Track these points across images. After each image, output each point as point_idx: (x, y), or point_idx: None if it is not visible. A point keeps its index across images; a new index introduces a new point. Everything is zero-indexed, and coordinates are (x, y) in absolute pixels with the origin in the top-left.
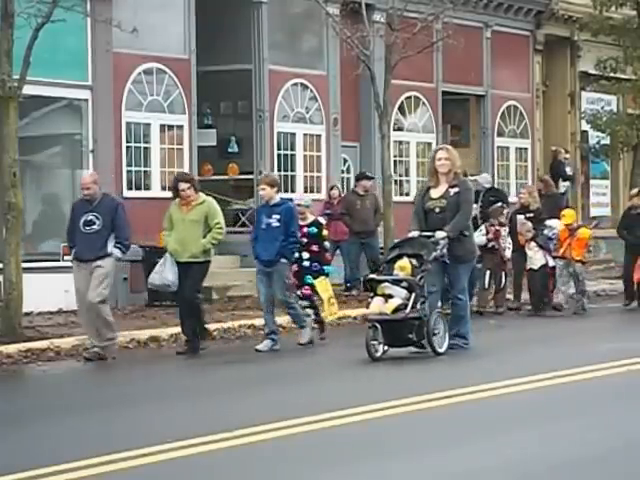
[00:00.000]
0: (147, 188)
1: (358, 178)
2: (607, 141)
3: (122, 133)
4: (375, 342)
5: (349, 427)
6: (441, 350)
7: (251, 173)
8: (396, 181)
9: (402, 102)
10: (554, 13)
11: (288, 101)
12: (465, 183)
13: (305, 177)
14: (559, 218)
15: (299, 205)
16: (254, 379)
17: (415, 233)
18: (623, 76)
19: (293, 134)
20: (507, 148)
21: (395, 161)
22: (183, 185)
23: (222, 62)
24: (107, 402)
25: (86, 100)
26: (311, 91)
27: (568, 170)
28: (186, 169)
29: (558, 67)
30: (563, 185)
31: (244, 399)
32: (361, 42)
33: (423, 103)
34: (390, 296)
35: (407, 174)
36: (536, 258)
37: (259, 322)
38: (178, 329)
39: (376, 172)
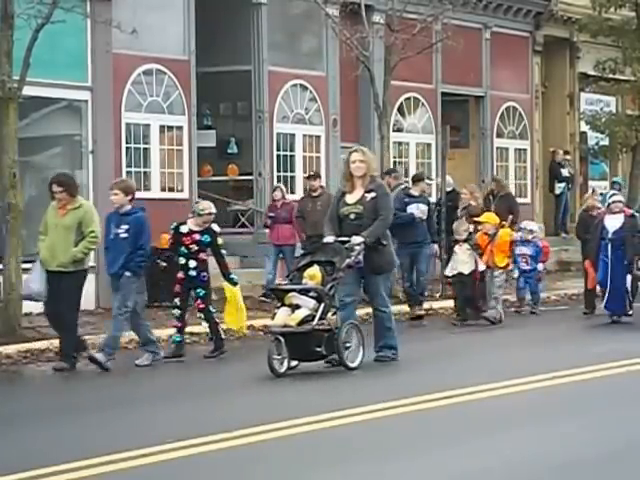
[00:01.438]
0: (147, 189)
1: (309, 177)
2: (606, 142)
3: (122, 134)
4: (278, 357)
5: (349, 428)
6: (353, 365)
7: (251, 174)
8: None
9: (401, 103)
10: (553, 14)
11: (287, 102)
12: (382, 187)
13: (305, 178)
14: (514, 221)
15: (194, 213)
16: (254, 379)
17: (330, 238)
18: (622, 77)
19: (292, 135)
20: (506, 149)
21: (394, 162)
22: (55, 188)
23: (222, 63)
24: (107, 402)
25: (86, 101)
26: (310, 92)
27: (564, 172)
28: (186, 170)
29: (557, 68)
30: (558, 186)
31: (244, 399)
32: (360, 43)
33: (422, 104)
34: (298, 306)
35: (406, 175)
36: (466, 262)
37: (259, 322)
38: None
39: (376, 173)
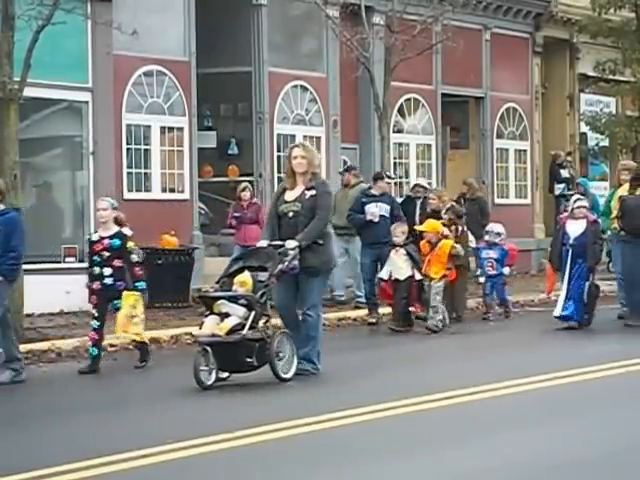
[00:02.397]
0: (147, 190)
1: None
2: (606, 143)
3: (122, 135)
4: (205, 368)
5: (349, 428)
6: (287, 376)
7: (251, 175)
8: (396, 183)
9: (401, 104)
10: (553, 15)
11: (288, 103)
12: (324, 185)
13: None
14: (484, 224)
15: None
16: (253, 379)
17: (264, 242)
18: (622, 78)
19: (293, 136)
20: (506, 150)
21: (395, 163)
22: None
23: (222, 64)
24: (108, 403)
25: (86, 102)
26: (311, 93)
27: (564, 173)
28: (186, 171)
29: (557, 69)
30: (557, 187)
31: (244, 400)
32: (360, 44)
33: (422, 105)
34: (227, 315)
35: (407, 176)
36: (403, 267)
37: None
38: (178, 330)
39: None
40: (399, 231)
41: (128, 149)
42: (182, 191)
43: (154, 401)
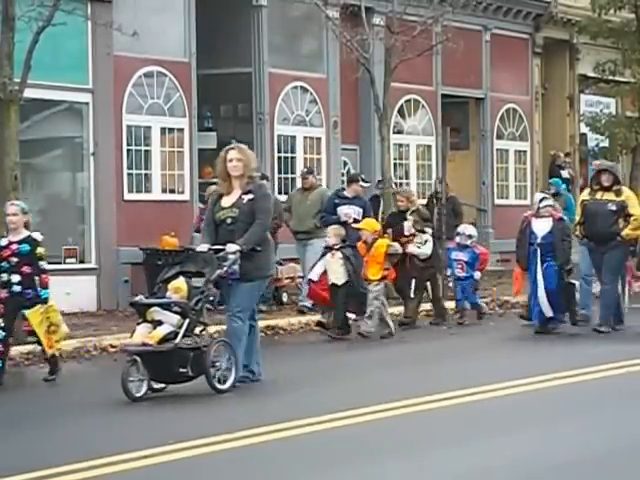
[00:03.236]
0: (148, 191)
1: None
2: (606, 144)
3: (123, 136)
4: (135, 379)
5: (349, 428)
6: (223, 387)
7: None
8: (396, 184)
9: (402, 105)
10: (553, 16)
11: (288, 104)
12: (262, 188)
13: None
14: (457, 224)
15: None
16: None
17: (204, 246)
18: (622, 79)
19: (293, 137)
20: (506, 151)
21: (395, 164)
22: None
23: (222, 65)
24: (108, 404)
25: (87, 103)
26: (311, 94)
27: (564, 173)
28: (186, 172)
29: (557, 70)
30: None
31: (243, 400)
32: (361, 45)
33: (423, 106)
34: (160, 322)
35: (407, 177)
36: (339, 272)
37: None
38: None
39: (376, 175)
40: (334, 233)
41: (128, 150)
42: (182, 192)
43: (154, 401)
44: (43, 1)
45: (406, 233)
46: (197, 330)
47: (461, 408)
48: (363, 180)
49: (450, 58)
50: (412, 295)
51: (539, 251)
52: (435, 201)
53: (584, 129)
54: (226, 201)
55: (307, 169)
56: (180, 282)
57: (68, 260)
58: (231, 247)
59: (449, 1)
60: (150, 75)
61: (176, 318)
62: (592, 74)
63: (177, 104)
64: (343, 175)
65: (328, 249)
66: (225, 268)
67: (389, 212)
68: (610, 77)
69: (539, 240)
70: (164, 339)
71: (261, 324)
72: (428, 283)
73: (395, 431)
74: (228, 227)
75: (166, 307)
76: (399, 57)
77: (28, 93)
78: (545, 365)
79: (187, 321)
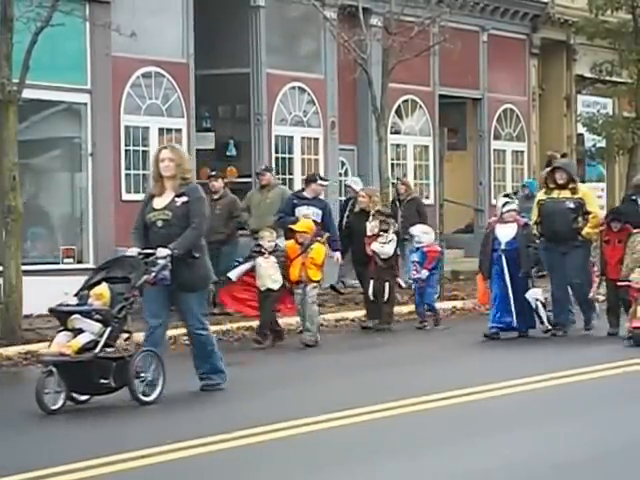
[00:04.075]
0: (146, 191)
1: (209, 177)
2: (603, 144)
3: (121, 136)
4: (50, 391)
5: (348, 428)
6: (149, 399)
7: (249, 176)
8: (393, 184)
9: (399, 105)
10: (550, 17)
11: (286, 104)
12: (196, 191)
13: (303, 180)
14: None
15: None
16: (252, 380)
17: (134, 250)
18: (619, 79)
19: (291, 137)
20: (503, 151)
21: (392, 164)
22: None
23: (220, 66)
24: (105, 404)
25: (85, 104)
26: (309, 94)
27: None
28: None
29: (554, 70)
30: None
31: (242, 400)
32: (358, 46)
33: (420, 106)
34: (81, 331)
35: (404, 177)
36: (274, 275)
37: (256, 324)
38: (177, 331)
39: (374, 175)
40: (267, 236)
41: (127, 150)
42: None
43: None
44: (41, 2)
45: (369, 234)
46: (121, 339)
47: (455, 409)
48: (322, 179)
49: (447, 59)
50: (385, 298)
51: (503, 258)
52: (399, 202)
53: (581, 129)
54: (158, 203)
55: (265, 167)
56: (102, 288)
57: (66, 260)
58: (161, 252)
59: (446, 2)
60: (148, 76)
61: (97, 326)
62: (589, 75)
63: (175, 105)
64: (341, 175)
65: (258, 252)
66: (153, 274)
67: (350, 212)
68: (607, 78)
69: (503, 247)
70: (83, 348)
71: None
72: (387, 284)
73: (392, 431)
74: (159, 230)
75: (87, 315)
76: (397, 58)
77: (26, 94)
78: (531, 367)
79: (109, 329)
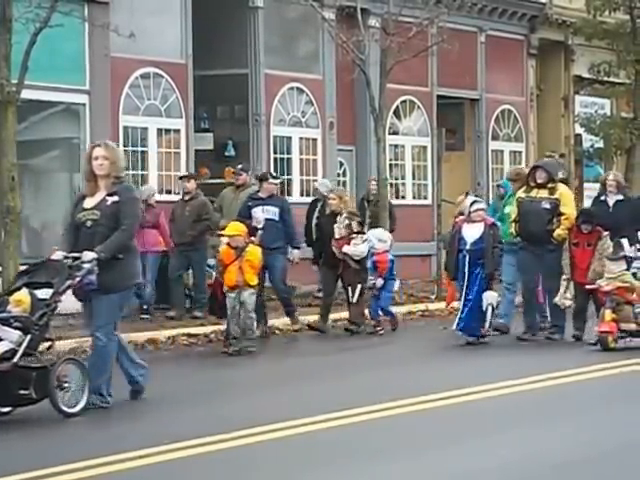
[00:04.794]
0: None
1: (181, 178)
2: (601, 144)
3: (120, 137)
4: None
5: (346, 428)
6: (72, 410)
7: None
8: (391, 184)
9: (397, 106)
10: (548, 17)
11: (284, 105)
12: (128, 191)
13: (301, 181)
14: (392, 228)
15: None
16: (250, 381)
17: (59, 254)
18: (616, 80)
19: (289, 138)
20: (501, 152)
21: (390, 164)
22: None
23: (219, 66)
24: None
25: (84, 104)
26: (307, 95)
27: (560, 174)
28: (183, 173)
29: (552, 71)
30: None
31: (241, 401)
32: (356, 46)
33: (418, 107)
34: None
35: (403, 177)
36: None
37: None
38: (176, 331)
39: (372, 175)
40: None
41: (125, 151)
42: (178, 193)
43: (151, 401)
44: (40, 2)
45: (336, 236)
46: (42, 348)
47: (453, 409)
48: (272, 177)
49: (445, 59)
50: (354, 300)
51: (468, 258)
52: (367, 204)
53: (579, 130)
54: (88, 202)
55: (241, 166)
56: (22, 294)
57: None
58: (87, 255)
59: (444, 2)
60: (147, 76)
61: (16, 334)
62: (587, 75)
63: (174, 105)
64: (339, 176)
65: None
66: (78, 278)
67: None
68: (605, 78)
69: (468, 246)
70: (1, 358)
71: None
72: (358, 286)
73: (391, 431)
74: (88, 230)
75: (5, 322)
76: (395, 58)
77: (25, 94)
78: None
79: (28, 337)
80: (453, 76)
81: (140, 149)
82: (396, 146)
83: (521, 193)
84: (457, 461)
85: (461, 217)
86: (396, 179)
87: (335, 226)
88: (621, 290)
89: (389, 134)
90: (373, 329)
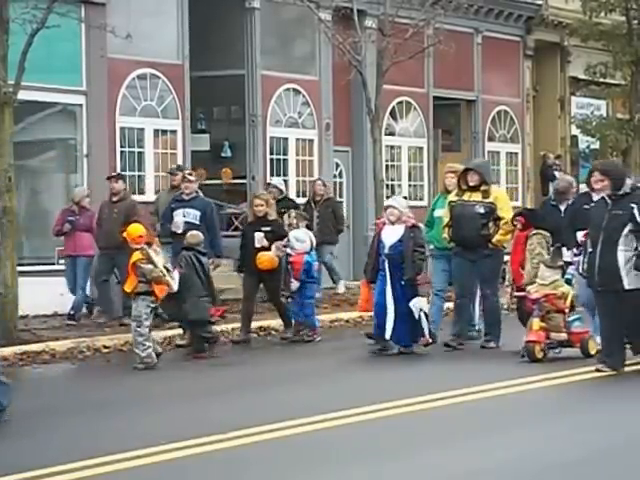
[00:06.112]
0: (141, 192)
1: (109, 178)
2: (597, 146)
3: (116, 138)
4: None
5: (345, 428)
6: None
7: (244, 177)
8: (388, 185)
9: (394, 107)
10: (544, 19)
11: (281, 106)
12: None
13: (298, 181)
14: (340, 229)
15: None
16: (249, 381)
17: None
18: (612, 81)
19: (286, 139)
20: (498, 153)
21: (387, 165)
22: None
23: (215, 67)
24: (101, 405)
25: (80, 105)
26: (303, 96)
27: (557, 174)
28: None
29: (548, 72)
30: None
31: (239, 401)
32: (353, 48)
33: (414, 108)
34: None
35: (399, 178)
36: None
37: (252, 325)
38: (172, 332)
39: (368, 176)
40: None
41: (122, 152)
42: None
43: (150, 402)
44: (37, 3)
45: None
46: None
47: (449, 409)
48: (180, 169)
49: (442, 60)
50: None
51: (387, 263)
52: (314, 204)
53: (575, 131)
54: None
55: (177, 166)
56: None
57: (61, 261)
58: None
59: (441, 4)
60: (143, 77)
61: None
62: (583, 76)
63: (170, 106)
64: (335, 177)
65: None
66: None
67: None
68: (601, 79)
69: (387, 250)
70: None
71: (254, 325)
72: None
73: (385, 432)
74: None
75: None
76: (391, 59)
77: (22, 95)
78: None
79: None
80: (449, 77)
81: (137, 150)
82: (392, 147)
83: (453, 197)
84: (453, 462)
85: (382, 219)
86: (392, 180)
87: (256, 235)
88: (551, 297)
89: (385, 135)
90: (308, 336)
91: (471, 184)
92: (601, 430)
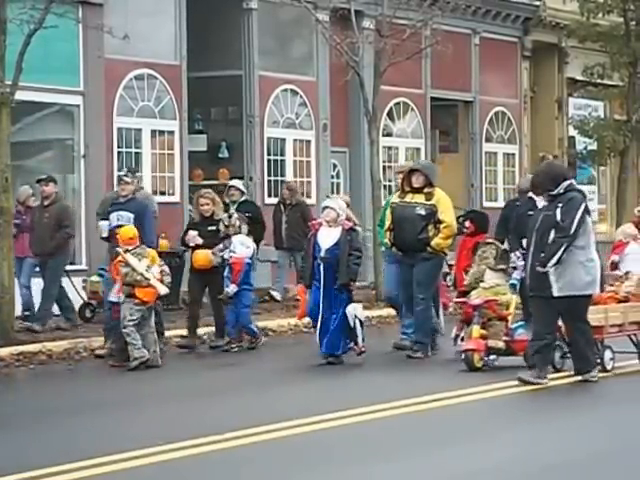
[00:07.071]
0: None
1: (39, 181)
2: (594, 147)
3: (113, 138)
4: None
5: (343, 429)
6: None
7: (241, 178)
8: (385, 186)
9: (391, 108)
10: (542, 20)
11: (278, 107)
12: None
13: (295, 182)
14: (305, 233)
15: None
16: (247, 381)
17: None
18: (610, 82)
19: (283, 139)
20: (495, 153)
21: (384, 166)
22: None
23: (213, 68)
24: (99, 405)
25: (78, 106)
26: (301, 97)
27: None
28: (177, 174)
29: (546, 73)
30: None
31: (237, 401)
32: (350, 48)
33: (412, 109)
34: None
35: (396, 179)
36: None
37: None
38: (172, 332)
39: (366, 177)
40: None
41: (119, 152)
42: (173, 194)
43: (147, 403)
44: (35, 4)
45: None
46: None
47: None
48: (130, 173)
49: (439, 61)
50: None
51: (323, 267)
52: (284, 207)
53: (572, 132)
54: None
55: (127, 168)
56: None
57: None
58: None
59: (438, 4)
60: (141, 78)
61: None
62: (580, 77)
63: (168, 107)
64: (333, 178)
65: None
66: None
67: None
68: (598, 80)
69: (323, 254)
70: None
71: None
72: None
73: (383, 433)
74: None
75: None
76: (388, 60)
77: (19, 95)
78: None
79: None
80: (447, 78)
81: (134, 150)
82: (390, 148)
83: (395, 198)
84: (450, 464)
85: (319, 220)
86: (389, 181)
87: (190, 232)
88: (492, 304)
89: (383, 136)
90: (226, 345)
91: (416, 185)
92: (602, 431)
